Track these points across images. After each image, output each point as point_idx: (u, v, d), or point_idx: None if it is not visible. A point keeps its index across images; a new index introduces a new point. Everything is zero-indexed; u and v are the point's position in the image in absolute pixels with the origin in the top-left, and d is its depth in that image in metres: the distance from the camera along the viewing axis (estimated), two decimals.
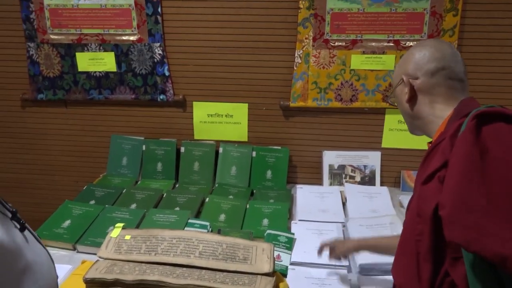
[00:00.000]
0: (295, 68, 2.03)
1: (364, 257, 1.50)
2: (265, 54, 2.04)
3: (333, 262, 1.51)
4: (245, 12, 1.99)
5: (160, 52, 2.06)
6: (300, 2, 1.94)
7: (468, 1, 1.88)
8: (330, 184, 2.15)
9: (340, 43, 1.99)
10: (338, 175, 2.16)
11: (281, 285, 1.35)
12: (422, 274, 0.91)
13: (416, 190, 1.01)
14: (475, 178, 0.81)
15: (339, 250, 1.40)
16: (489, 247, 0.76)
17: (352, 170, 2.16)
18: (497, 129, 0.85)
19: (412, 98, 1.09)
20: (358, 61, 2.00)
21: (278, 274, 1.40)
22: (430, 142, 1.08)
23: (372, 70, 2.01)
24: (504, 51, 1.92)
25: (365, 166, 2.16)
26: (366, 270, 1.47)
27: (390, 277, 1.43)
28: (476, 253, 0.79)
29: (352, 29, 1.97)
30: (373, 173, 2.15)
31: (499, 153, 0.82)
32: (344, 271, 1.48)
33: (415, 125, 1.13)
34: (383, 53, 1.98)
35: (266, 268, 1.31)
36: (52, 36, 2.09)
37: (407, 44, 1.96)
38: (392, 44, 1.96)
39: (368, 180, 2.15)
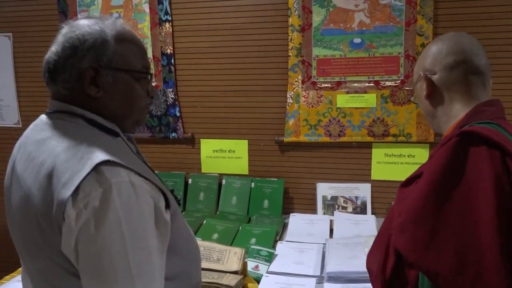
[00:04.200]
0: (287, 107, 2.30)
1: (332, 266, 1.63)
2: (261, 96, 2.34)
3: (309, 273, 1.66)
4: (243, 61, 2.32)
5: (173, 96, 2.42)
6: (290, 50, 2.25)
7: None
8: (324, 214, 2.30)
9: (326, 85, 2.25)
10: (331, 206, 2.31)
11: (250, 285, 1.52)
12: (387, 264, 0.96)
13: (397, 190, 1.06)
14: (435, 198, 0.84)
15: None
16: (425, 262, 0.83)
17: (344, 201, 2.31)
18: (478, 152, 0.84)
19: (431, 95, 1.05)
20: (343, 100, 2.24)
21: (250, 277, 1.57)
22: None
23: (356, 108, 2.23)
24: None
25: (356, 197, 2.30)
26: (333, 279, 1.60)
27: (356, 285, 1.57)
28: (413, 264, 0.85)
29: (336, 72, 2.23)
30: (364, 204, 2.29)
31: (468, 176, 0.82)
32: (314, 279, 1.61)
33: (435, 124, 1.10)
34: (365, 92, 2.21)
35: (235, 267, 1.49)
36: None
37: (386, 84, 2.18)
38: (372, 84, 2.20)
39: (360, 210, 2.28)
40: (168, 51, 2.38)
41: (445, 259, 0.81)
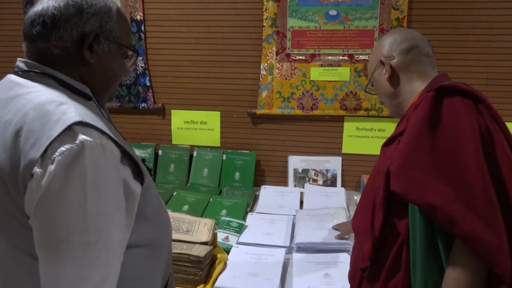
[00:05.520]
0: (261, 79, 2.26)
1: (302, 237, 1.66)
2: (234, 67, 2.29)
3: (279, 243, 1.68)
4: (216, 30, 2.26)
5: (143, 65, 2.33)
6: (264, 20, 2.20)
7: (413, 20, 2.11)
8: (295, 186, 2.32)
9: (300, 57, 2.22)
10: (302, 178, 2.33)
11: (219, 255, 1.52)
12: (375, 222, 1.03)
13: (380, 153, 1.13)
14: (424, 141, 0.92)
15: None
16: (423, 198, 0.89)
17: (315, 174, 2.33)
18: (453, 101, 0.94)
19: (392, 77, 1.15)
20: (317, 73, 2.22)
21: (219, 248, 1.57)
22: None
23: (329, 81, 2.22)
24: (449, 64, 2.11)
25: (327, 170, 2.33)
26: (302, 249, 1.62)
27: (325, 255, 1.60)
28: (412, 202, 0.92)
29: (310, 44, 2.20)
30: (334, 177, 2.32)
31: (452, 121, 0.92)
32: (283, 250, 1.63)
33: (395, 105, 1.19)
34: (339, 65, 2.20)
35: (205, 238, 1.49)
36: None
37: (360, 58, 2.17)
38: (346, 57, 2.19)
39: (330, 183, 2.31)
40: (138, 17, 2.28)
41: (439, 193, 0.88)
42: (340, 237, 1.64)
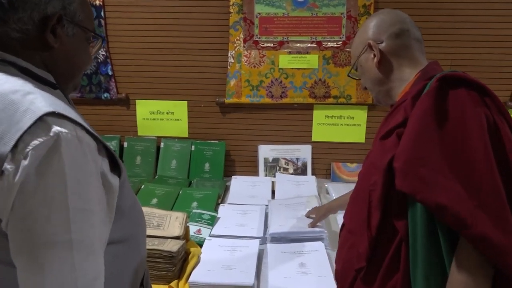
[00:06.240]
0: (228, 67, 2.21)
1: (275, 227, 1.64)
2: (201, 54, 2.22)
3: (252, 234, 1.66)
4: (182, 16, 2.17)
5: (104, 53, 2.22)
6: (231, 7, 2.14)
7: (379, 7, 2.11)
8: (266, 176, 2.29)
9: (268, 44, 2.18)
10: (273, 168, 2.31)
11: (192, 249, 1.47)
12: (372, 220, 0.96)
13: (374, 145, 1.05)
14: (431, 135, 0.86)
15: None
16: (433, 198, 0.83)
17: (285, 163, 2.32)
18: (457, 93, 0.87)
19: (382, 62, 1.07)
20: (285, 60, 2.19)
21: (192, 242, 1.53)
22: (392, 106, 1.11)
23: (298, 69, 2.20)
24: None
25: (297, 159, 2.32)
26: (276, 239, 1.61)
27: (298, 244, 1.59)
28: (421, 202, 0.86)
29: (278, 31, 2.17)
30: (305, 165, 2.31)
31: (457, 115, 0.86)
32: (257, 241, 1.60)
33: (382, 92, 1.12)
34: (307, 53, 2.18)
35: (177, 232, 1.44)
36: None
37: (328, 45, 2.16)
38: (315, 45, 2.17)
39: (300, 172, 2.31)
40: (97, 2, 2.15)
41: (449, 192, 0.83)
42: (313, 224, 1.63)
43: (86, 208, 0.67)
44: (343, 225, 1.17)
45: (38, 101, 0.67)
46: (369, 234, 0.97)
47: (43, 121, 0.65)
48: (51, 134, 0.64)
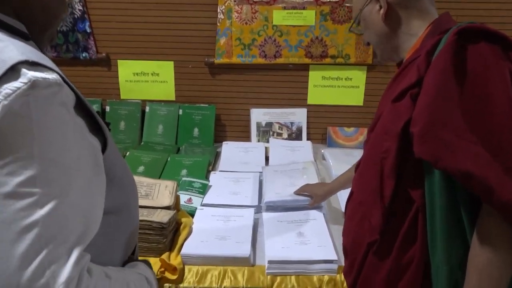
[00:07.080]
0: (218, 24, 2.04)
1: (271, 195, 1.54)
2: (187, 10, 2.04)
3: (246, 203, 1.56)
4: None
5: (80, 7, 2.02)
6: None
7: None
8: (258, 141, 2.18)
9: None
10: (266, 132, 2.20)
11: (184, 219, 1.37)
12: (385, 190, 0.90)
13: (381, 109, 0.97)
14: (452, 96, 0.78)
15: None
16: (456, 164, 0.75)
17: (279, 127, 2.20)
18: (478, 47, 0.80)
19: (388, 14, 0.97)
20: (280, 16, 2.03)
21: (183, 211, 1.42)
22: (399, 64, 1.03)
23: (293, 26, 2.04)
24: None
25: (292, 123, 2.20)
26: (272, 208, 1.51)
27: (295, 213, 1.50)
28: (444, 170, 0.78)
29: None
30: (299, 129, 2.20)
31: (479, 71, 0.78)
32: (252, 209, 1.51)
33: (390, 48, 1.02)
34: (304, 8, 2.01)
35: (167, 202, 1.33)
36: None
37: (326, 0, 2.00)
38: None
39: (295, 136, 2.20)
40: None
41: (474, 157, 0.75)
42: (312, 205, 1.50)
43: (59, 160, 0.60)
44: (350, 196, 1.08)
45: (8, 49, 0.60)
46: (382, 205, 0.90)
47: (15, 70, 0.57)
48: (25, 80, 0.57)
